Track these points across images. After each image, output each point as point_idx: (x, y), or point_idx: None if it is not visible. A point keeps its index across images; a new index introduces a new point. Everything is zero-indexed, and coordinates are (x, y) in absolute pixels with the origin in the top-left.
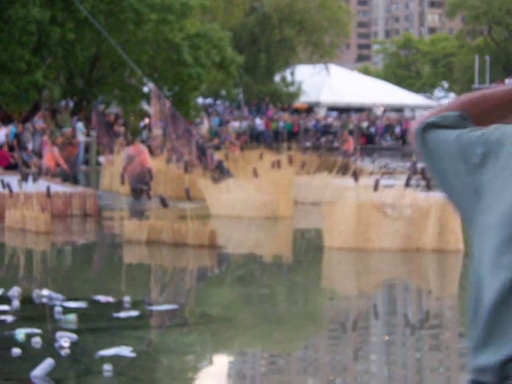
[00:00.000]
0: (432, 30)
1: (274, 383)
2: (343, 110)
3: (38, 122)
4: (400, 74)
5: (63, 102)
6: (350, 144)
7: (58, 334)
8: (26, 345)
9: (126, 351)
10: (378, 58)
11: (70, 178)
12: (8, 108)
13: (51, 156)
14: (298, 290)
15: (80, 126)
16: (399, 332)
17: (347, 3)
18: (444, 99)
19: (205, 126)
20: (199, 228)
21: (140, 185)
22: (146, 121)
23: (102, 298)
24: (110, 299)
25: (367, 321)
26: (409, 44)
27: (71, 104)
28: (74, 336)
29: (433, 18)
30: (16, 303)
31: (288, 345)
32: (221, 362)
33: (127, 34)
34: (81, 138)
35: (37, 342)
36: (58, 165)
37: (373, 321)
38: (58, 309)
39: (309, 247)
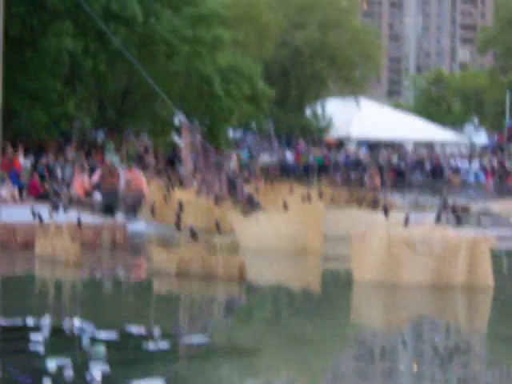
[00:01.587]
0: (463, 66)
1: None
2: (373, 145)
3: (70, 153)
4: (431, 109)
5: (94, 133)
6: (378, 179)
7: (91, 365)
8: (56, 375)
9: (157, 383)
10: (409, 93)
11: (109, 209)
12: (38, 137)
13: (80, 185)
14: (326, 323)
15: (115, 157)
16: (427, 368)
17: (378, 38)
18: (475, 135)
19: (235, 158)
20: (229, 260)
21: (134, 205)
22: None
23: (133, 329)
24: (142, 330)
25: (396, 357)
26: (440, 79)
27: (101, 135)
28: (107, 368)
29: (464, 53)
30: (47, 333)
31: (318, 379)
32: None
33: (159, 66)
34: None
35: (68, 373)
36: (87, 193)
37: (401, 357)
38: (87, 340)
39: (338, 281)
